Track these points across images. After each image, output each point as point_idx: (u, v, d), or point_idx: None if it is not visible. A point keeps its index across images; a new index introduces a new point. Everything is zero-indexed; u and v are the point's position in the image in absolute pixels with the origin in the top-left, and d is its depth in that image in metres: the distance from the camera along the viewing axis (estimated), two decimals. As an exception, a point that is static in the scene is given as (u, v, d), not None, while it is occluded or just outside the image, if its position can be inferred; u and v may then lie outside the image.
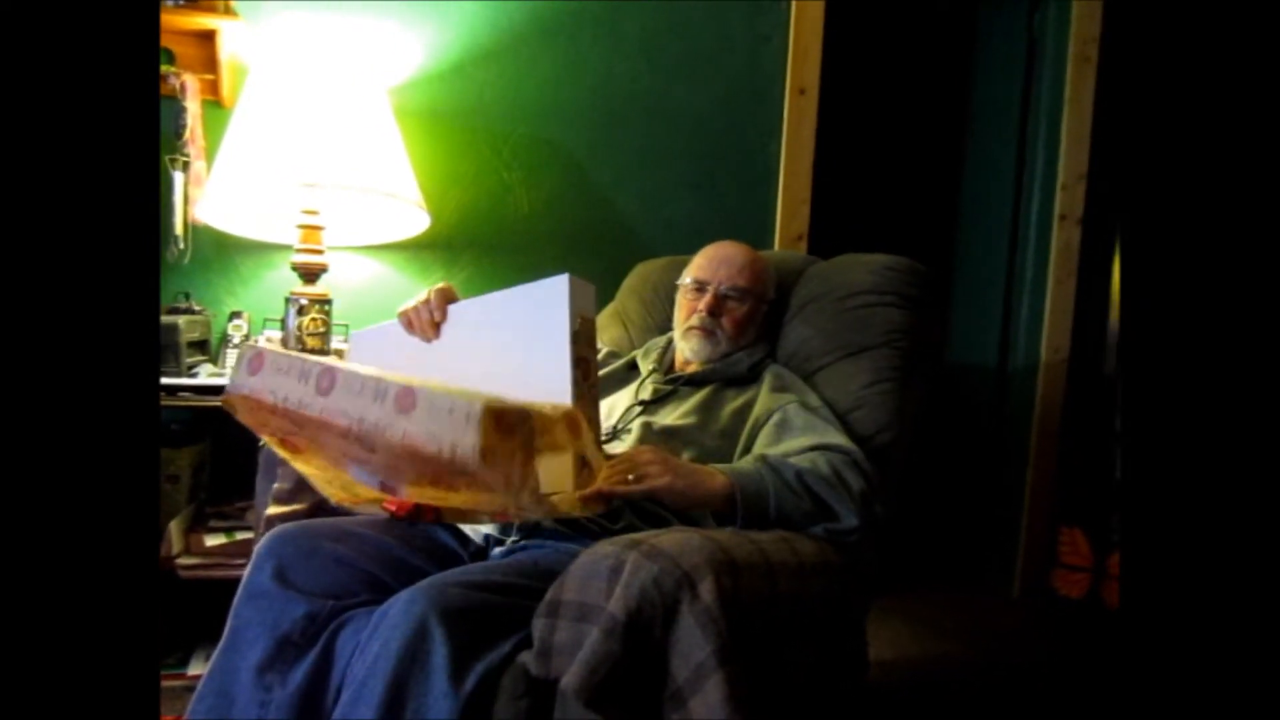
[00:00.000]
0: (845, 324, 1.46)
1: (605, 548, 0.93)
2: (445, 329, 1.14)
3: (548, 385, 1.00)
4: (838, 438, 1.23)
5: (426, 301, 1.15)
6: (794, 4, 2.16)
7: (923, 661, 2.00)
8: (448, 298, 1.15)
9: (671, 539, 0.93)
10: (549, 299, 1.04)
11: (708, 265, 1.47)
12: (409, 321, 1.16)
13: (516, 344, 1.07)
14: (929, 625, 2.24)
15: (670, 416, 1.33)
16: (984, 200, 2.78)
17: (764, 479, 1.12)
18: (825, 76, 2.21)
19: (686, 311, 1.45)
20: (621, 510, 1.14)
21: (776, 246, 2.18)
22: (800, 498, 1.12)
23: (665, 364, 1.48)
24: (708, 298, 1.43)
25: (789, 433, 1.26)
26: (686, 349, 1.44)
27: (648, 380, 1.43)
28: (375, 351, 1.19)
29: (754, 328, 1.46)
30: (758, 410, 1.32)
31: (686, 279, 1.48)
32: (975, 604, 2.46)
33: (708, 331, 1.42)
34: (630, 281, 1.84)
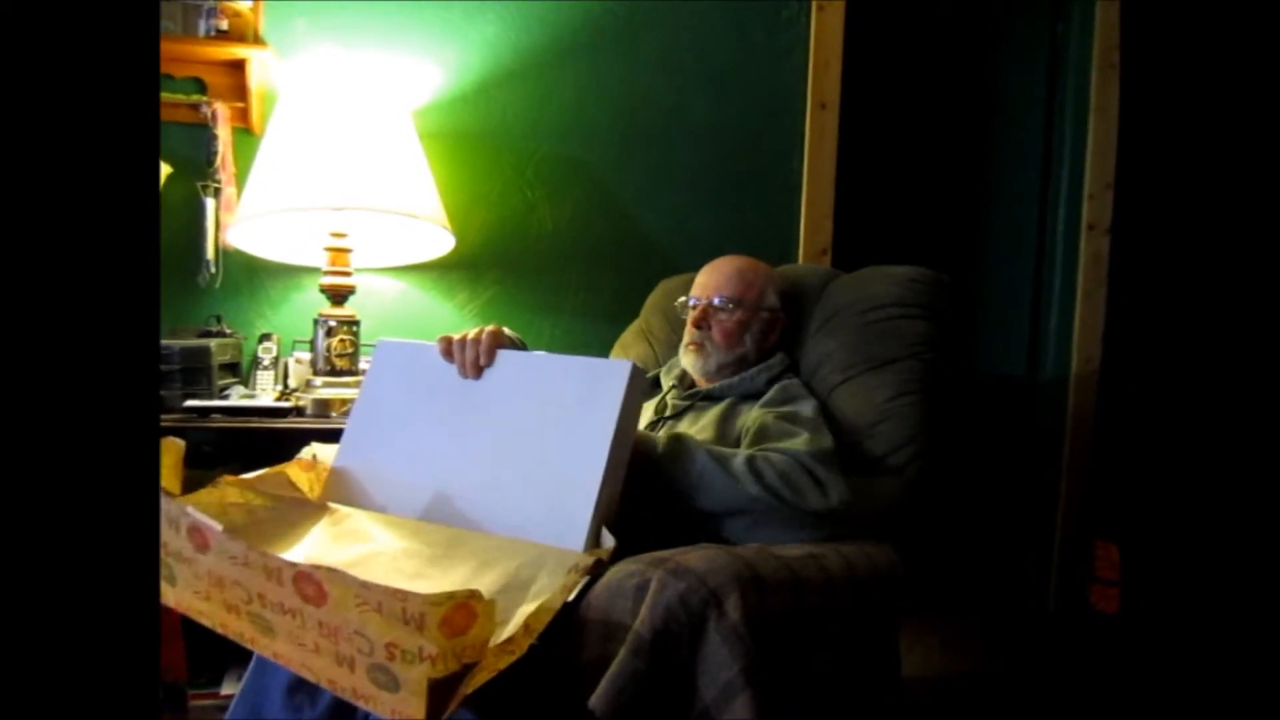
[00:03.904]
0: (869, 337, 1.45)
1: (630, 566, 0.93)
2: (483, 375, 1.09)
3: (574, 470, 0.97)
4: (796, 444, 1.20)
5: (476, 340, 1.10)
6: (814, 18, 2.17)
7: (955, 679, 1.96)
8: (498, 342, 1.11)
9: (697, 556, 0.93)
10: (604, 382, 1.00)
11: (699, 281, 1.49)
12: (448, 351, 1.11)
13: (555, 415, 1.02)
14: (962, 642, 2.20)
15: (688, 430, 1.33)
16: (1010, 211, 2.76)
17: (696, 449, 1.14)
18: (846, 89, 2.20)
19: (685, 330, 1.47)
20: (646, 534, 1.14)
21: (800, 260, 2.17)
22: (721, 466, 1.12)
23: (686, 380, 1.48)
24: (695, 311, 1.45)
25: (762, 439, 1.25)
26: (687, 365, 1.46)
27: (668, 396, 1.45)
28: (400, 370, 1.15)
29: (750, 337, 1.44)
30: (744, 421, 1.32)
31: (683, 299, 1.50)
32: (1010, 620, 2.42)
33: (698, 345, 1.43)
34: (654, 298, 1.85)
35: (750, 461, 1.13)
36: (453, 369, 1.10)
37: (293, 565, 0.75)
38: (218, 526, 0.80)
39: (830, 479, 1.15)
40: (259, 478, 1.07)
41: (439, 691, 0.71)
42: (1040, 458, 2.55)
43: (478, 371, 1.09)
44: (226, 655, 1.67)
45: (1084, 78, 2.46)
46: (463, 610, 0.71)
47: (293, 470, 1.11)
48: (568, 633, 0.91)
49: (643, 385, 1.03)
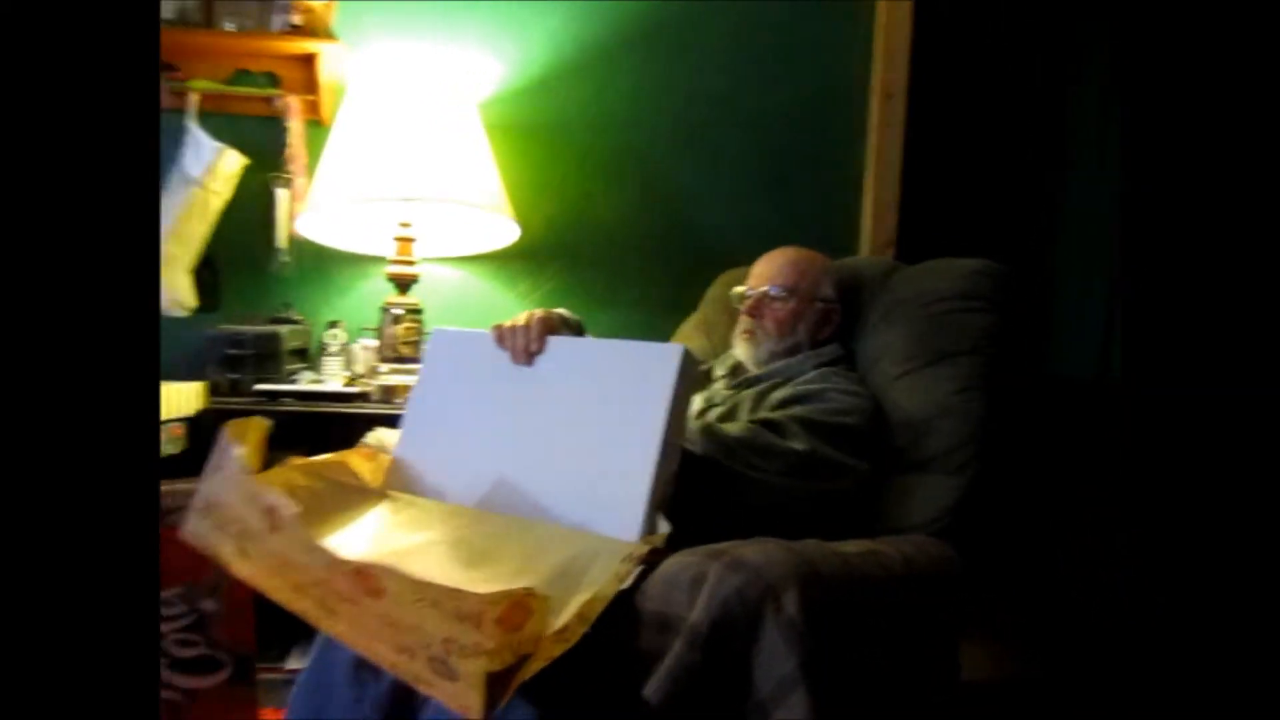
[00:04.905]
0: (931, 329, 1.42)
1: (686, 558, 0.93)
2: (536, 361, 1.09)
3: (628, 456, 0.96)
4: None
5: (527, 327, 1.10)
6: (880, 6, 2.12)
7: (1016, 680, 1.92)
8: (549, 328, 1.11)
9: (754, 550, 0.92)
10: (656, 366, 0.99)
11: (754, 272, 1.49)
12: (501, 338, 1.12)
13: (608, 401, 1.01)
14: (1023, 646, 2.15)
15: (731, 417, 1.35)
16: (1083, 204, 2.67)
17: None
18: (914, 76, 2.16)
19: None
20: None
21: (864, 253, 2.14)
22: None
23: (739, 371, 1.48)
24: (750, 301, 1.45)
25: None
26: (739, 354, 1.47)
27: (717, 385, 1.46)
28: (455, 359, 1.16)
29: (803, 326, 1.44)
30: (774, 397, 1.33)
31: (739, 288, 1.50)
32: (1072, 624, 2.36)
33: (750, 333, 1.44)
34: (714, 291, 1.84)
35: (706, 428, 1.17)
36: (506, 356, 1.10)
37: (352, 562, 0.78)
38: (294, 509, 0.83)
39: (780, 442, 1.17)
40: (323, 462, 1.10)
41: (496, 684, 0.73)
42: (1106, 462, 2.47)
43: (529, 358, 1.09)
44: (294, 632, 1.73)
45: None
46: (519, 607, 0.73)
47: (354, 459, 1.14)
48: (623, 623, 0.92)
49: (695, 371, 1.02)
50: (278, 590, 0.89)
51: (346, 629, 0.83)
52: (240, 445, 0.92)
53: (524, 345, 1.09)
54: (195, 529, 0.98)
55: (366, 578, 0.77)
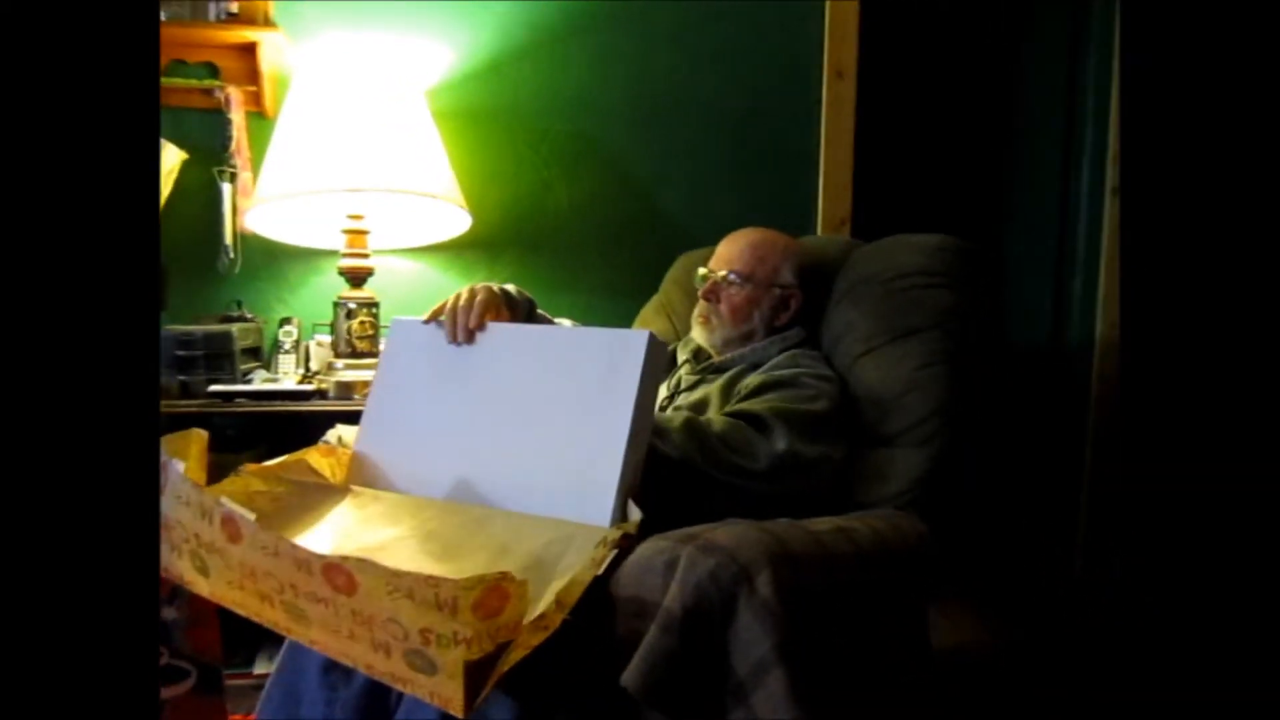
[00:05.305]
0: (894, 306, 1.42)
1: (659, 543, 0.93)
2: (496, 349, 1.08)
3: (597, 443, 0.96)
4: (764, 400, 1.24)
5: (468, 305, 1.09)
6: (829, -15, 2.13)
7: (983, 647, 1.96)
8: (489, 307, 1.10)
9: (727, 533, 0.92)
10: (623, 353, 0.98)
11: (716, 253, 1.49)
12: (439, 316, 1.10)
13: (575, 388, 1.00)
14: (990, 612, 2.20)
15: (694, 400, 1.36)
16: (1032, 177, 2.72)
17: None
18: (863, 57, 2.17)
19: None
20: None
21: (819, 232, 2.15)
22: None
23: (701, 355, 1.48)
24: (706, 285, 1.45)
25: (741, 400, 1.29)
26: (696, 337, 1.47)
27: (681, 370, 1.46)
28: (416, 349, 1.14)
29: (758, 314, 1.43)
30: (743, 386, 1.33)
31: (702, 270, 1.49)
32: (1037, 588, 2.42)
33: (705, 318, 1.44)
34: (673, 273, 1.83)
35: (689, 423, 1.15)
36: (456, 346, 1.09)
37: (321, 557, 0.76)
38: (250, 517, 0.81)
39: (761, 441, 1.17)
40: (280, 464, 1.08)
41: (476, 673, 0.72)
42: (1066, 423, 2.53)
43: (469, 337, 1.08)
44: (260, 636, 1.70)
45: (1109, 38, 2.40)
46: (495, 592, 0.72)
47: (313, 456, 1.11)
48: (599, 610, 0.91)
49: (662, 356, 1.02)
50: (243, 603, 0.87)
51: (319, 633, 0.81)
52: (180, 460, 0.88)
53: (464, 324, 1.08)
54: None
55: (338, 573, 0.75)
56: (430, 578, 0.71)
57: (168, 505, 0.88)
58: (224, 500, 0.83)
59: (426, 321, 1.13)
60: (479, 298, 1.10)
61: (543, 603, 0.80)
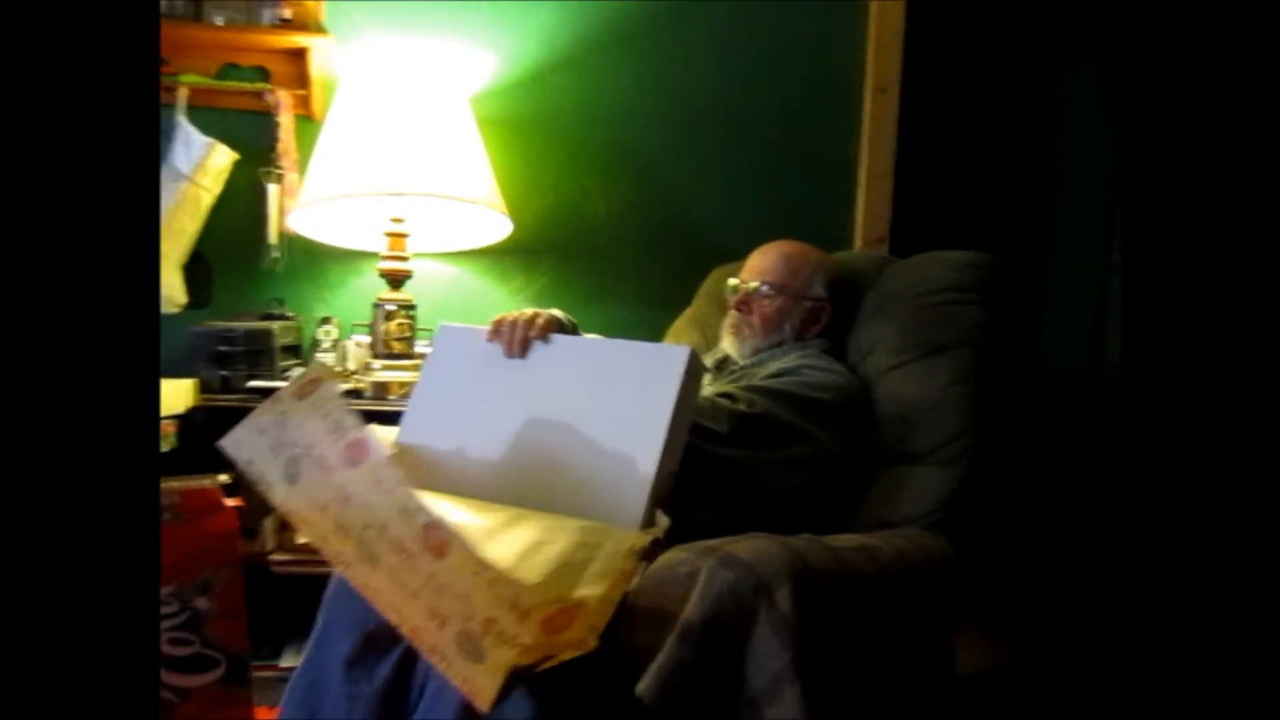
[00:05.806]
0: (923, 322, 1.41)
1: (680, 554, 0.93)
2: (541, 359, 1.11)
3: (631, 452, 0.98)
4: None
5: (529, 323, 1.12)
6: (873, 4, 2.12)
7: (1011, 671, 1.93)
8: (551, 328, 1.13)
9: (747, 546, 0.92)
10: (662, 366, 1.01)
11: (747, 264, 1.50)
12: (498, 330, 1.14)
13: (614, 399, 1.03)
14: (1018, 635, 2.16)
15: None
16: (1077, 196, 2.67)
17: None
18: (906, 70, 2.15)
19: None
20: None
21: (857, 247, 2.14)
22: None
23: (726, 366, 1.48)
24: (738, 296, 1.46)
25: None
26: (726, 347, 1.48)
27: (706, 377, 1.45)
28: (460, 354, 1.17)
29: (789, 325, 1.43)
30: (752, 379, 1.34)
31: (733, 280, 1.50)
32: (1066, 614, 2.37)
33: (736, 328, 1.45)
34: (708, 285, 1.84)
35: None
36: (501, 353, 1.12)
37: (428, 513, 0.78)
38: (385, 450, 0.82)
39: (731, 407, 1.17)
40: None
41: (515, 678, 0.73)
42: (1099, 450, 2.48)
43: (522, 350, 1.11)
44: (288, 629, 1.73)
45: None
46: (566, 614, 0.74)
47: None
48: (618, 618, 0.92)
49: (700, 371, 1.04)
50: (316, 526, 0.87)
51: (382, 580, 0.81)
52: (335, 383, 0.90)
53: (521, 337, 1.11)
54: (242, 443, 0.95)
55: (437, 533, 0.77)
56: (516, 581, 0.74)
57: (304, 410, 0.90)
58: (364, 429, 0.85)
59: (490, 340, 1.15)
60: (541, 319, 1.13)
61: (579, 625, 0.80)
